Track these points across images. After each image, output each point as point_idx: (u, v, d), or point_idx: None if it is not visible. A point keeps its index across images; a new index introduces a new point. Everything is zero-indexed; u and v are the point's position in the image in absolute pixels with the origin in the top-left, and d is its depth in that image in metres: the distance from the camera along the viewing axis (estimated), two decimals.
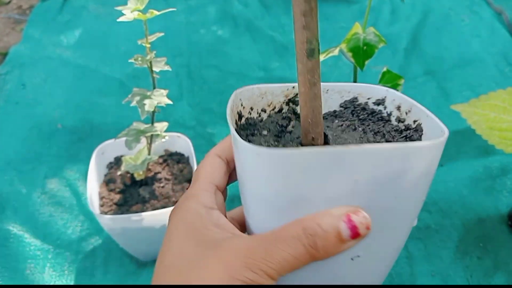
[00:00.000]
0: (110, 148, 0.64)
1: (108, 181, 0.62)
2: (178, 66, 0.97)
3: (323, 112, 0.34)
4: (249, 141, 0.29)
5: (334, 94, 0.36)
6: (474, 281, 0.59)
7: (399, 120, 0.34)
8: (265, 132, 0.32)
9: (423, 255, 0.61)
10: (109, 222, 0.55)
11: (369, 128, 0.33)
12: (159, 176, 0.62)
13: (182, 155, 0.65)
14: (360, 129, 0.33)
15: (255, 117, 0.34)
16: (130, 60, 0.46)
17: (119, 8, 0.44)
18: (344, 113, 0.35)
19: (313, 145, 0.29)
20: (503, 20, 1.01)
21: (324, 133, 0.31)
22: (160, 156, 0.64)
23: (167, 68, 0.49)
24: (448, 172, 0.71)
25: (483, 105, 0.59)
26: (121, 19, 0.42)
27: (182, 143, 0.65)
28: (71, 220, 0.70)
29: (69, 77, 0.94)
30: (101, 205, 0.59)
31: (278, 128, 0.33)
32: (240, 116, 0.33)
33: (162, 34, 0.47)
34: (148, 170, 0.62)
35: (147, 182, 0.61)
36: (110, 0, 1.15)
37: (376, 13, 1.10)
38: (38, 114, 0.86)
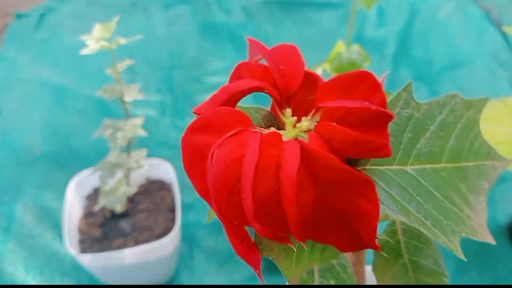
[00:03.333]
0: (89, 178, 0.60)
1: (87, 215, 0.58)
2: (160, 81, 0.94)
3: None
4: None
5: None
6: None
7: None
8: None
9: None
10: (88, 261, 0.52)
11: None
12: (140, 206, 0.58)
13: (164, 182, 0.62)
14: None
15: None
16: (98, 94, 0.42)
17: (83, 37, 0.41)
18: None
19: None
20: (491, 19, 0.98)
21: None
22: (141, 185, 0.61)
23: (140, 97, 0.45)
24: None
25: None
26: (83, 52, 0.39)
27: (164, 169, 0.61)
28: (54, 253, 0.67)
29: (47, 98, 0.91)
30: (81, 241, 0.56)
31: None
32: None
33: (132, 62, 0.44)
34: (129, 200, 0.59)
35: (128, 213, 0.58)
36: (88, 15, 1.12)
37: (362, 17, 1.07)
38: (15, 141, 0.82)
